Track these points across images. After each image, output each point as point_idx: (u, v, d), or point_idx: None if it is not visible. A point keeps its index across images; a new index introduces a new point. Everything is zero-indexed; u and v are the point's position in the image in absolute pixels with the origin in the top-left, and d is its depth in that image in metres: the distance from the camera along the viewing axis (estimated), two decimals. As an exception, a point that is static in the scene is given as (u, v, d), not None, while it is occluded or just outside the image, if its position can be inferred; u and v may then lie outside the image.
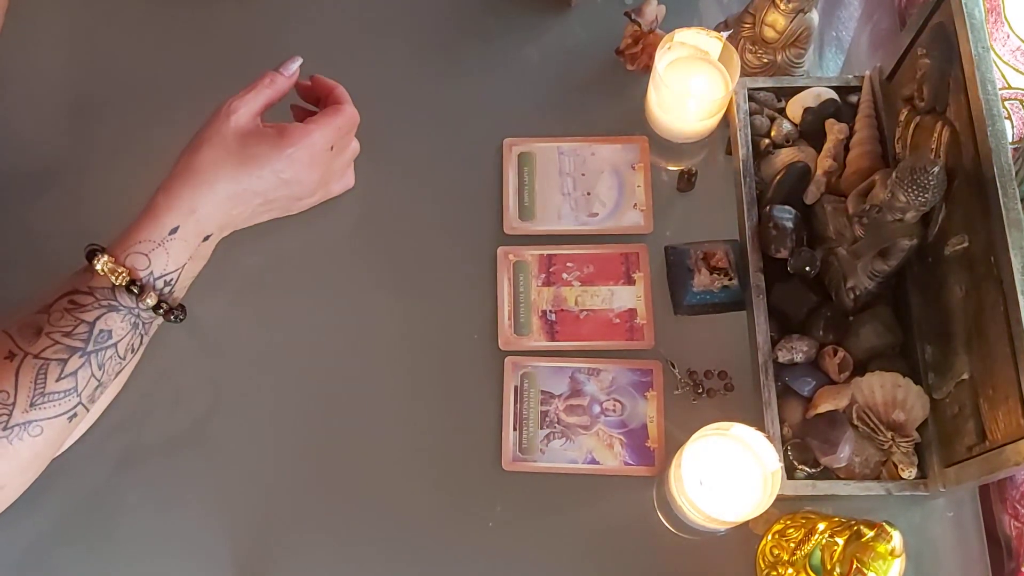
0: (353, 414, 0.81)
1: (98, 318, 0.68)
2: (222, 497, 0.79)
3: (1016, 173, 0.69)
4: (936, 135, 0.75)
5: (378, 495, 0.79)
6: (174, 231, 0.71)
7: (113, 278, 0.69)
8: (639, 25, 0.88)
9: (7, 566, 0.76)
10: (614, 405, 0.81)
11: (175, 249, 0.71)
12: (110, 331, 0.69)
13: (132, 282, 0.69)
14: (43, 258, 0.86)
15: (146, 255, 0.70)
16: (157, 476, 0.79)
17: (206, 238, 0.73)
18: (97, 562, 0.77)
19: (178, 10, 0.95)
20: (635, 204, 0.88)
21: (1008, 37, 0.80)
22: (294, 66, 0.79)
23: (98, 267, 0.69)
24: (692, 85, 0.86)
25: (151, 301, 0.70)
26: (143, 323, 0.70)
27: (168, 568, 0.77)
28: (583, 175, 0.89)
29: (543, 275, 0.85)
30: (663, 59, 0.85)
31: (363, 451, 0.80)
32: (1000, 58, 0.81)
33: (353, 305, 0.85)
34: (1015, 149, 0.72)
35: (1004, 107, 0.82)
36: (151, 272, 0.70)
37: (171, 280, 0.71)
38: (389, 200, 0.87)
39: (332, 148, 0.78)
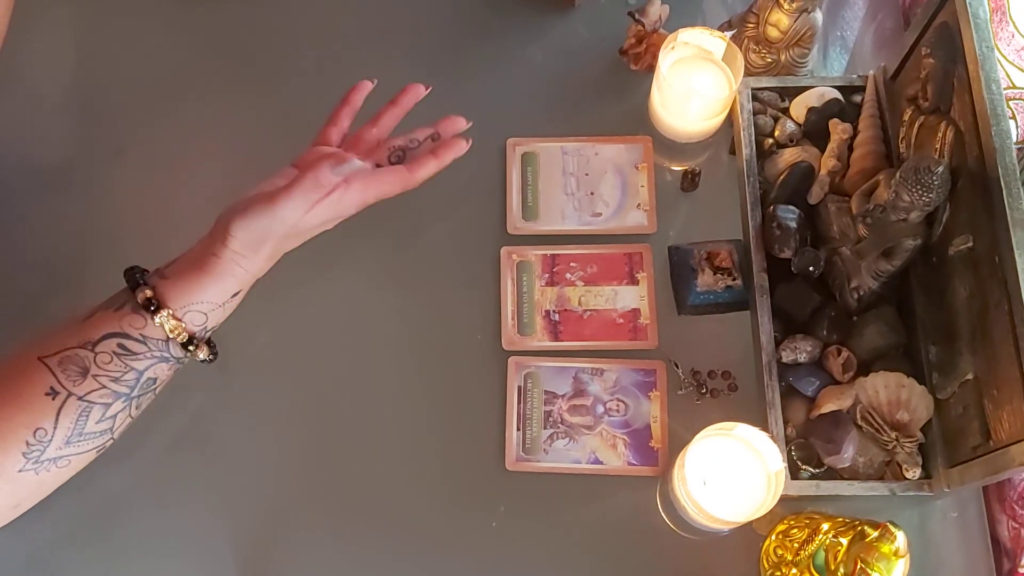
0: (356, 414, 0.81)
1: (148, 367, 0.68)
2: (226, 497, 0.79)
3: (1020, 173, 0.69)
4: (940, 135, 0.75)
5: (381, 495, 0.79)
6: (236, 295, 0.71)
7: (173, 335, 0.68)
8: (643, 25, 0.88)
9: (13, 567, 0.76)
10: (617, 405, 0.81)
11: (232, 307, 0.72)
12: (156, 378, 0.69)
13: (190, 340, 0.69)
14: (47, 257, 0.86)
15: (205, 314, 0.70)
16: (160, 477, 0.79)
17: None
18: (101, 563, 0.77)
19: (183, 11, 0.95)
20: (638, 204, 0.88)
21: (1013, 36, 0.80)
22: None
23: (157, 322, 0.67)
24: (696, 85, 0.86)
25: (203, 354, 0.70)
26: (182, 365, 0.71)
27: (171, 569, 0.77)
28: (586, 175, 0.89)
29: (546, 275, 0.85)
30: (667, 59, 0.85)
31: (366, 451, 0.80)
32: (1005, 57, 0.80)
33: (356, 305, 0.85)
34: (1019, 149, 0.72)
35: (1008, 107, 0.81)
36: (205, 327, 0.70)
37: (214, 327, 0.72)
38: (392, 199, 0.87)
39: (311, 211, 0.71)
